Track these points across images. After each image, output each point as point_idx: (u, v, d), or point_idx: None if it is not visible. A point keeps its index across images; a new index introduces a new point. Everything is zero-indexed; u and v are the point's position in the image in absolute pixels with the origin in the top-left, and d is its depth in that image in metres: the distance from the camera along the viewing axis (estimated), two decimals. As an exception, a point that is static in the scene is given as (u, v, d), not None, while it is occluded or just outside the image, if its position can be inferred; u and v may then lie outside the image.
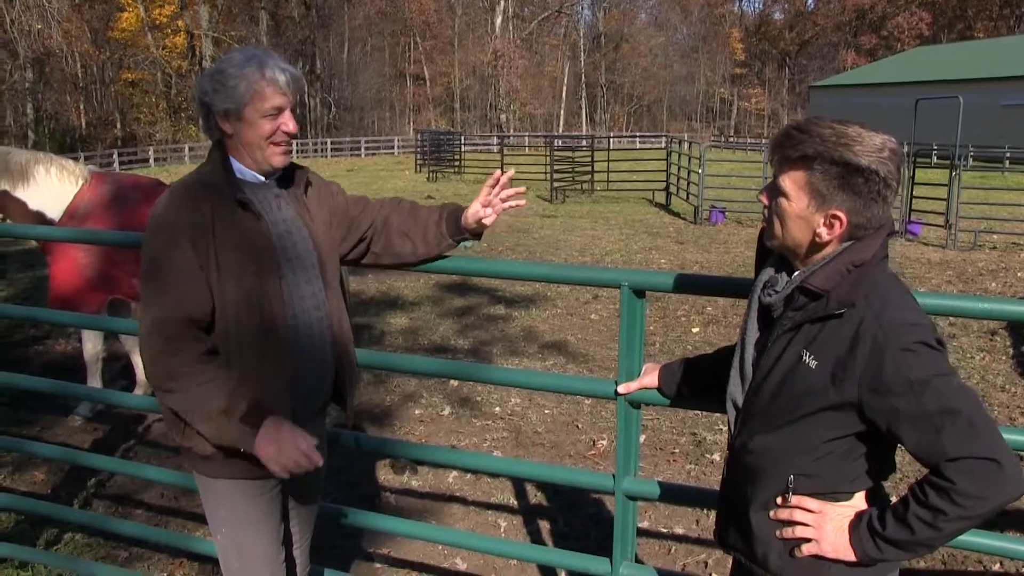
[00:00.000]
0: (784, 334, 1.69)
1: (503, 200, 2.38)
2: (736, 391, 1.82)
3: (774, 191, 1.67)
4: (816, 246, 1.66)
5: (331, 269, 2.30)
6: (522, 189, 2.39)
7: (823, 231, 1.63)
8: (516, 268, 2.42)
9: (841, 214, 1.60)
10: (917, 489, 1.57)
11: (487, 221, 2.37)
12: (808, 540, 1.70)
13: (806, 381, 1.63)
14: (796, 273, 1.72)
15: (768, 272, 1.79)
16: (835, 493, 1.70)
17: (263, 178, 2.18)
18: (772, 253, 1.80)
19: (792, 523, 1.72)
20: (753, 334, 1.80)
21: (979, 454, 1.49)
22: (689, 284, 2.30)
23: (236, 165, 2.14)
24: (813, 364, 1.62)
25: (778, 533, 1.75)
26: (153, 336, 2.03)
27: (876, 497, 1.73)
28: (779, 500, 1.74)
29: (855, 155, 1.55)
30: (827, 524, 1.68)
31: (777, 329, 1.71)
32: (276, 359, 2.12)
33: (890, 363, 1.53)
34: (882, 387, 1.55)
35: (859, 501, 1.71)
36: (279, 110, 2.08)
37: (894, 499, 1.68)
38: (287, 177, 2.26)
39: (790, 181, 1.63)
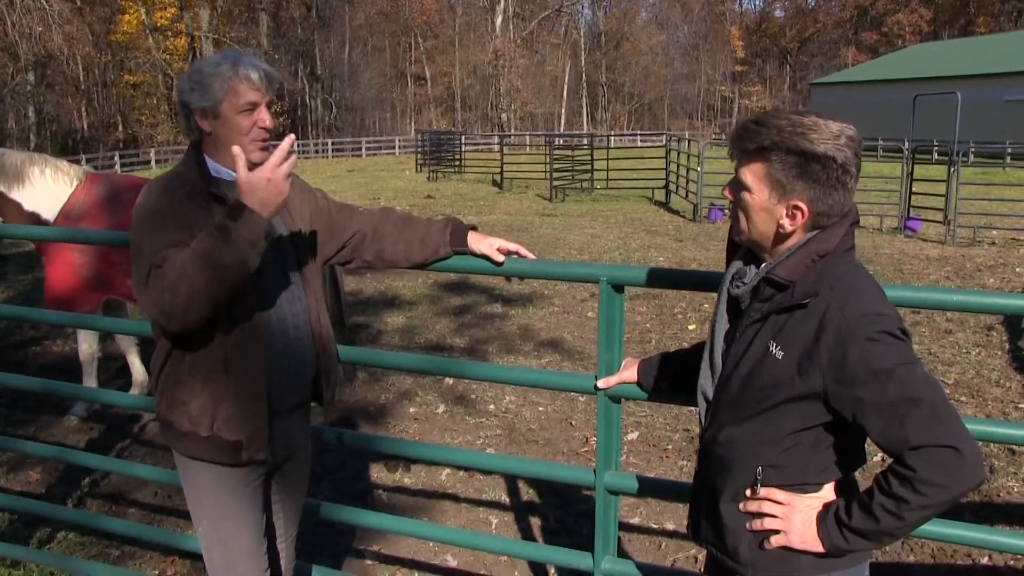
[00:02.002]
0: (751, 325, 1.70)
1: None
2: (706, 383, 1.84)
3: (736, 186, 1.69)
4: (781, 237, 1.67)
5: (310, 266, 2.33)
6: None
7: (786, 222, 1.64)
8: (493, 264, 2.43)
9: (802, 204, 1.61)
10: (881, 479, 1.58)
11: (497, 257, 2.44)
12: (777, 532, 1.71)
13: (773, 372, 1.64)
14: (763, 265, 1.73)
15: (737, 264, 1.81)
16: (803, 484, 1.71)
17: None
18: (742, 246, 1.82)
19: (761, 515, 1.73)
20: (722, 326, 1.81)
21: (940, 442, 1.50)
22: (665, 279, 2.32)
23: (212, 164, 2.18)
24: (780, 355, 1.63)
25: (748, 525, 1.76)
26: (152, 292, 1.99)
27: (846, 488, 1.74)
28: (748, 492, 1.75)
29: (811, 143, 1.57)
30: (795, 516, 1.69)
31: (744, 320, 1.72)
32: (251, 351, 2.15)
33: (854, 353, 1.55)
34: (846, 377, 1.56)
35: (828, 492, 1.72)
36: (254, 105, 2.12)
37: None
38: None
39: (750, 174, 1.65)
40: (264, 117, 2.14)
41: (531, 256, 2.44)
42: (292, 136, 2.11)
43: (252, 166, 2.17)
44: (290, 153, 2.00)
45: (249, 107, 2.11)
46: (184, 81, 2.14)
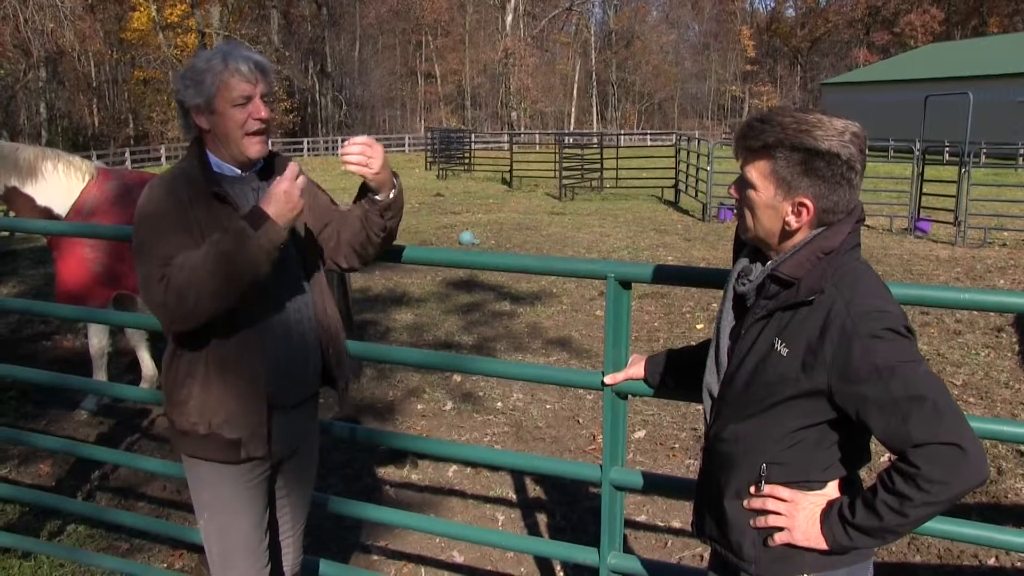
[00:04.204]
0: (757, 322, 1.71)
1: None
2: (712, 380, 1.84)
3: (742, 183, 1.70)
4: (787, 234, 1.68)
5: (312, 258, 2.33)
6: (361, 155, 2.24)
7: (792, 219, 1.64)
8: (500, 260, 2.45)
9: (808, 200, 1.62)
10: (885, 476, 1.58)
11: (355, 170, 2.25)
12: (780, 529, 1.72)
13: (778, 368, 1.65)
14: (768, 262, 1.74)
15: (743, 262, 1.82)
16: (807, 482, 1.72)
17: (240, 171, 2.21)
18: (748, 244, 1.82)
19: (765, 512, 1.74)
20: (728, 323, 1.82)
21: (943, 440, 1.50)
22: (671, 275, 2.33)
23: (214, 160, 2.19)
24: (784, 351, 1.64)
25: (751, 522, 1.76)
26: (157, 294, 2.01)
27: (850, 486, 1.75)
28: (752, 489, 1.76)
29: (815, 140, 1.57)
30: (799, 513, 1.69)
31: (750, 317, 1.72)
32: (254, 347, 2.16)
33: (858, 350, 1.55)
34: (850, 374, 1.56)
35: (832, 490, 1.72)
36: (247, 98, 2.11)
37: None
38: (268, 169, 2.29)
39: (756, 171, 1.66)
40: (259, 108, 2.13)
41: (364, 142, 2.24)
42: (295, 165, 2.11)
43: (249, 161, 2.19)
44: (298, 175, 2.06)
45: (243, 100, 2.10)
46: (179, 79, 2.14)
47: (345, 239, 2.38)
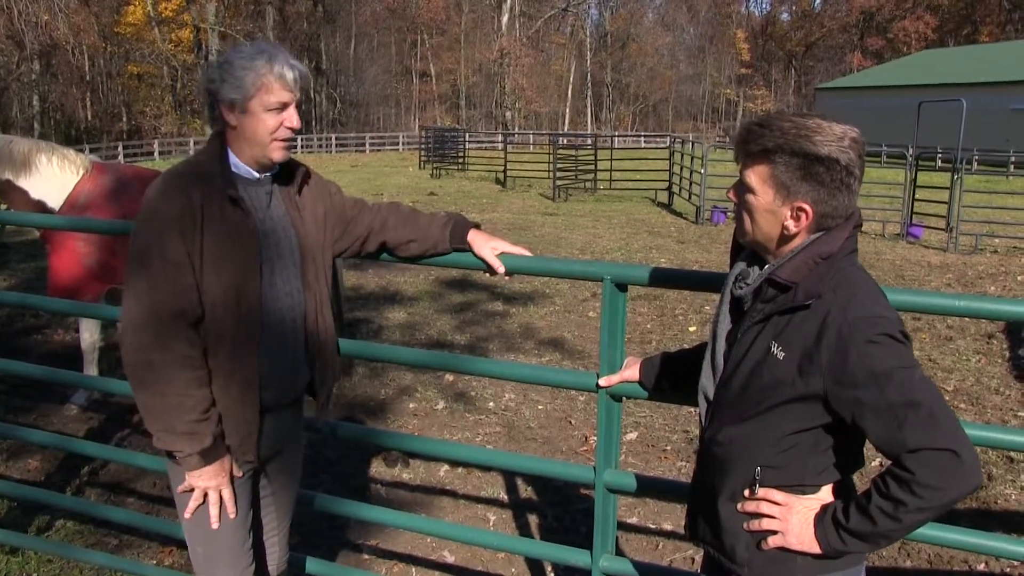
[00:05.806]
0: (753, 326, 1.71)
1: None
2: (707, 383, 1.84)
3: (741, 187, 1.70)
4: (785, 239, 1.68)
5: (314, 268, 2.30)
6: None
7: (790, 223, 1.65)
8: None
9: (807, 206, 1.62)
10: (879, 481, 1.58)
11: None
12: (774, 532, 1.72)
13: (774, 372, 1.65)
14: (766, 266, 1.74)
15: (740, 265, 1.82)
16: (801, 485, 1.72)
17: (257, 174, 2.17)
18: (745, 247, 1.82)
19: (759, 515, 1.74)
20: (725, 326, 1.82)
21: (938, 445, 1.50)
22: (668, 278, 2.32)
23: (233, 159, 2.14)
24: (781, 355, 1.64)
25: (745, 525, 1.76)
26: (146, 327, 2.05)
27: (844, 490, 1.75)
28: (746, 492, 1.76)
29: (815, 145, 1.58)
30: (793, 516, 1.70)
31: (747, 321, 1.72)
32: (246, 354, 2.13)
33: (855, 355, 1.55)
34: (846, 379, 1.56)
35: (826, 494, 1.73)
36: (284, 106, 2.08)
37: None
38: (283, 174, 2.25)
39: (755, 176, 1.66)
40: (292, 117, 2.10)
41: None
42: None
43: (270, 164, 2.17)
44: None
45: (279, 106, 2.07)
46: (214, 70, 2.08)
47: (399, 236, 2.43)
